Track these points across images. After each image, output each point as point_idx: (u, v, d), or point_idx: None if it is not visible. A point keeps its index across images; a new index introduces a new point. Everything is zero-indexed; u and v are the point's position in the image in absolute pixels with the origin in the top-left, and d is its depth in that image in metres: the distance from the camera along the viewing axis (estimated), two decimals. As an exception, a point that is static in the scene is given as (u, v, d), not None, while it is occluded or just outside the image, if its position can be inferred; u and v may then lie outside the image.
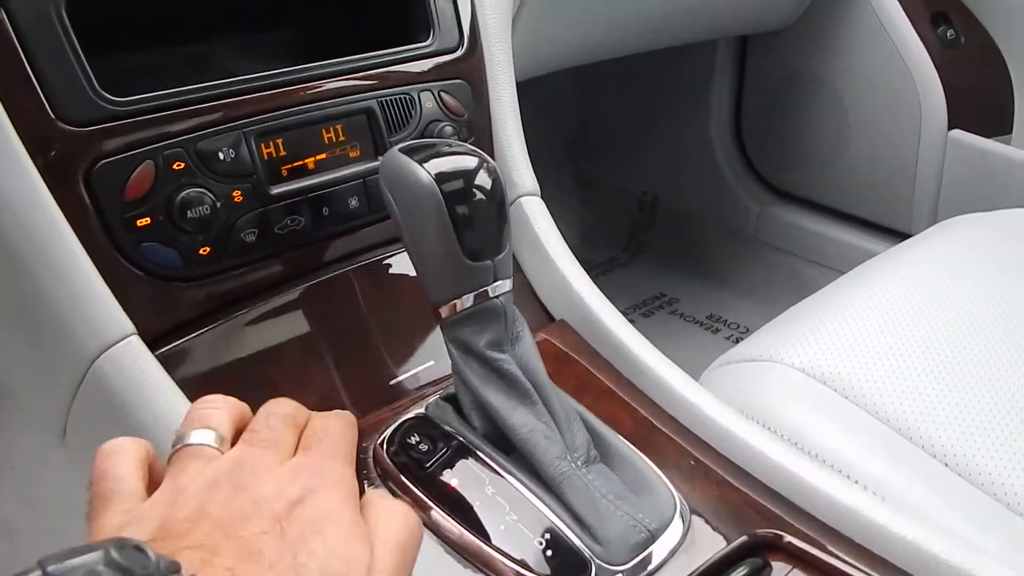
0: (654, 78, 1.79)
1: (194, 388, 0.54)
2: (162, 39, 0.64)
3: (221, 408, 0.39)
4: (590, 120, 2.06)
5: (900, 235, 1.44)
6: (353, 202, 0.62)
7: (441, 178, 0.46)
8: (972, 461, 0.57)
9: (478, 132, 0.70)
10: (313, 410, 0.42)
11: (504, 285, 0.48)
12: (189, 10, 0.61)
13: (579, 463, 0.45)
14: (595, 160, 2.08)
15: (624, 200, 2.01)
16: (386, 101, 0.64)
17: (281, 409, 0.40)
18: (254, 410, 0.53)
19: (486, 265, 0.47)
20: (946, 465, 0.57)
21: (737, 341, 1.55)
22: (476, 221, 0.47)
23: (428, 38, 0.67)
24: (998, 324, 0.72)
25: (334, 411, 0.44)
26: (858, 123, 1.43)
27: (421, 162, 0.47)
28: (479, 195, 0.47)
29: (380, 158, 0.63)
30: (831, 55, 1.44)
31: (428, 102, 0.66)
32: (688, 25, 1.32)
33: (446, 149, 0.49)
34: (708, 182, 1.78)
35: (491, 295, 0.48)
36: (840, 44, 1.42)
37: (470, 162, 0.48)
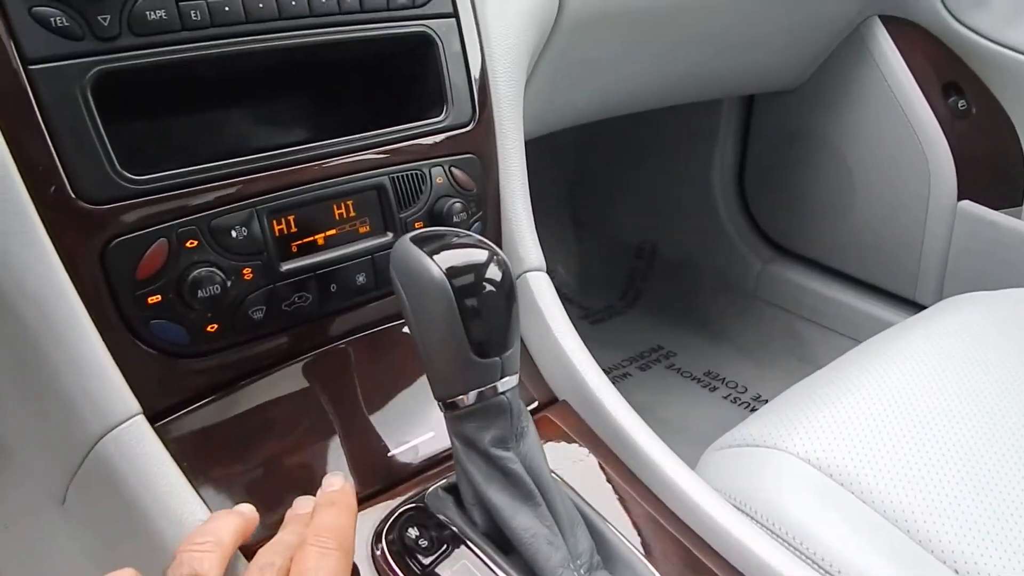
0: (658, 127, 1.81)
1: (194, 459, 0.54)
2: (176, 107, 0.64)
3: (211, 552, 0.39)
4: (590, 163, 2.07)
5: (904, 302, 1.44)
6: (361, 278, 0.62)
7: (452, 272, 0.46)
8: (984, 569, 0.56)
9: (486, 206, 0.71)
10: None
11: (511, 381, 0.48)
12: (207, 84, 0.62)
13: (582, 572, 0.45)
14: (594, 204, 2.08)
15: (622, 246, 2.01)
16: (397, 177, 0.64)
17: (278, 560, 0.40)
18: (256, 484, 0.53)
19: (494, 362, 0.47)
20: (956, 572, 0.57)
21: (735, 401, 1.55)
22: (486, 317, 0.47)
23: (441, 113, 0.68)
24: (1009, 414, 0.71)
25: (332, 508, 0.45)
26: (864, 187, 1.44)
27: (431, 254, 0.47)
28: (489, 288, 0.47)
29: (389, 234, 0.64)
30: (838, 117, 1.45)
31: (439, 177, 0.67)
32: (700, 87, 1.34)
33: (455, 240, 0.49)
34: (709, 235, 1.78)
35: (498, 391, 0.48)
36: (848, 106, 1.43)
37: (480, 255, 0.48)
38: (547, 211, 2.08)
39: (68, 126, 0.50)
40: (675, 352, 1.75)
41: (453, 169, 0.68)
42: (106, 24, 0.51)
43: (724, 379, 1.63)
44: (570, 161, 2.09)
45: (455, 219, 0.66)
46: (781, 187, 1.62)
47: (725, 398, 1.57)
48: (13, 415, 0.57)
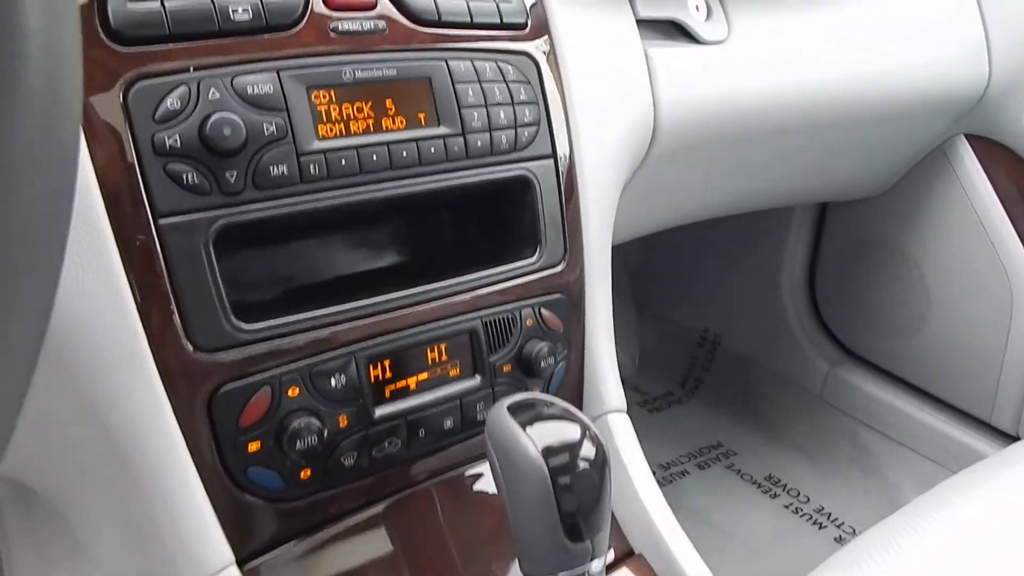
0: (726, 221, 1.80)
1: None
2: (277, 237, 0.66)
3: None
4: (654, 246, 2.06)
5: (978, 423, 1.40)
6: (448, 423, 0.63)
7: (548, 452, 0.47)
8: None
9: (571, 345, 0.72)
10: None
11: (600, 563, 0.48)
12: (313, 223, 0.64)
13: None
14: (656, 288, 2.07)
15: (683, 334, 1.99)
16: (489, 321, 0.65)
17: None
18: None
19: (585, 546, 0.47)
20: None
21: (796, 511, 1.52)
22: (580, 498, 0.47)
23: (534, 254, 0.69)
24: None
25: None
26: (941, 302, 1.41)
27: (526, 425, 0.48)
28: (584, 467, 0.48)
29: (477, 377, 0.65)
30: (916, 229, 1.43)
31: (528, 319, 0.68)
32: (778, 197, 1.34)
33: (547, 411, 0.50)
34: (775, 332, 1.76)
35: (588, 574, 0.48)
36: (927, 220, 1.41)
37: (575, 432, 0.49)
38: (609, 289, 2.07)
39: (189, 277, 0.53)
40: (735, 451, 1.72)
41: (542, 310, 0.69)
42: (232, 180, 0.54)
43: (785, 485, 1.59)
44: (631, 244, 2.09)
45: (542, 364, 0.67)
46: (853, 291, 1.60)
47: (787, 507, 1.53)
48: (104, 546, 0.58)
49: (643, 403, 1.93)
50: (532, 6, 0.70)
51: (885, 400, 1.55)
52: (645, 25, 0.85)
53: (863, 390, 1.60)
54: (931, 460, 1.48)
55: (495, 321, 0.66)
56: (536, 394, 0.54)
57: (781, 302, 1.73)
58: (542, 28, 0.71)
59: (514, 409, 0.50)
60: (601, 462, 0.49)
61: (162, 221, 0.52)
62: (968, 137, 1.33)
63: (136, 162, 0.51)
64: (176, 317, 0.52)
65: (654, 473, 1.49)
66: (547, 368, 0.67)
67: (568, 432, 0.49)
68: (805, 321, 1.72)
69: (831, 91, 1.03)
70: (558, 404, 0.51)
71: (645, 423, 1.91)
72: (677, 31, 0.89)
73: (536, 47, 0.70)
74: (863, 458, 1.59)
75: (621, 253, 2.06)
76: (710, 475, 1.65)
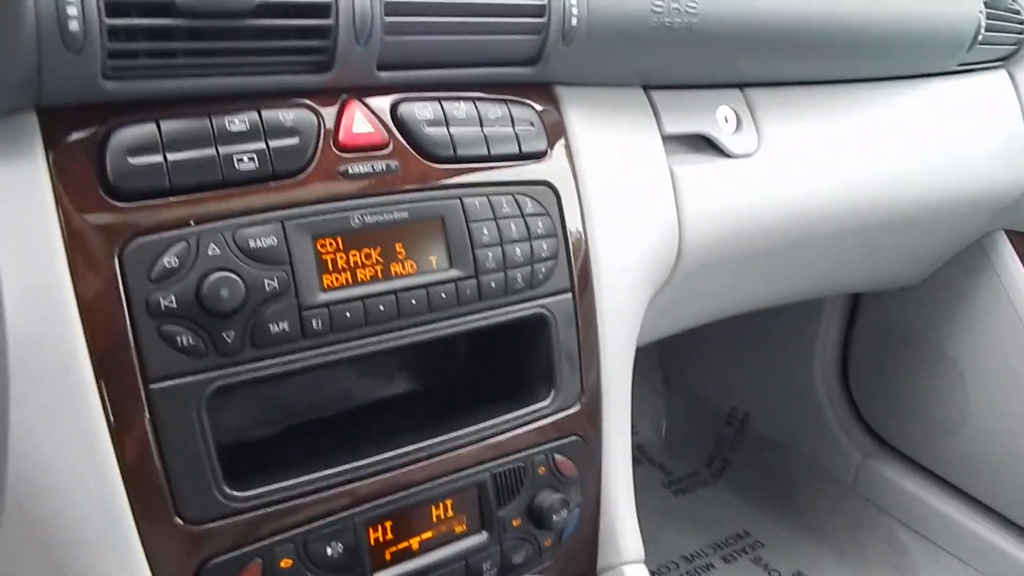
0: (759, 306, 1.76)
1: None
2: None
3: None
4: (684, 320, 2.02)
5: (1020, 529, 1.34)
6: (451, 587, 0.60)
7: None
8: None
9: (585, 490, 0.68)
10: None
11: None
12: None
13: None
14: (685, 362, 2.02)
15: (712, 409, 1.94)
16: (499, 472, 0.62)
17: None
18: None
19: None
20: None
21: (825, 616, 1.45)
22: None
23: (548, 396, 0.66)
24: None
25: None
26: (980, 401, 1.36)
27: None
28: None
29: (484, 533, 0.61)
30: (953, 324, 1.38)
31: (540, 467, 0.64)
32: (811, 291, 1.30)
33: None
34: (806, 417, 1.70)
35: None
36: (964, 315, 1.36)
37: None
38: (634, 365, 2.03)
39: (180, 445, 0.50)
40: (762, 543, 1.65)
41: (555, 455, 0.65)
42: (230, 340, 0.51)
43: (814, 586, 1.52)
44: (661, 313, 2.05)
45: (555, 517, 0.63)
46: (887, 380, 1.55)
47: (814, 611, 1.46)
48: None
49: (668, 484, 1.87)
50: (551, 127, 0.68)
51: (921, 497, 1.49)
52: (671, 140, 0.82)
53: (898, 484, 1.53)
54: (969, 565, 1.41)
55: (505, 472, 0.62)
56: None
57: (813, 385, 1.68)
58: (562, 152, 0.68)
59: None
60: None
61: (153, 386, 0.49)
62: (1008, 233, 1.29)
63: (128, 324, 0.49)
64: (165, 488, 0.49)
65: (677, 566, 1.45)
66: (560, 521, 0.63)
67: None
68: (838, 407, 1.67)
69: (868, 195, 0.99)
70: None
71: (670, 507, 1.85)
72: (704, 143, 0.86)
73: (555, 174, 0.67)
74: (897, 559, 1.52)
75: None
76: (736, 570, 1.59)
